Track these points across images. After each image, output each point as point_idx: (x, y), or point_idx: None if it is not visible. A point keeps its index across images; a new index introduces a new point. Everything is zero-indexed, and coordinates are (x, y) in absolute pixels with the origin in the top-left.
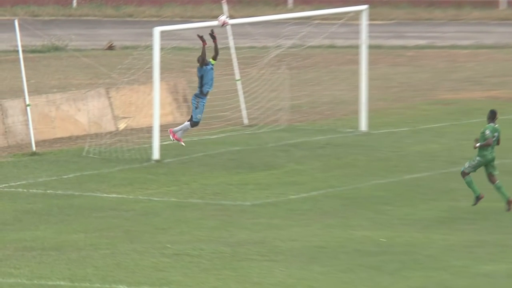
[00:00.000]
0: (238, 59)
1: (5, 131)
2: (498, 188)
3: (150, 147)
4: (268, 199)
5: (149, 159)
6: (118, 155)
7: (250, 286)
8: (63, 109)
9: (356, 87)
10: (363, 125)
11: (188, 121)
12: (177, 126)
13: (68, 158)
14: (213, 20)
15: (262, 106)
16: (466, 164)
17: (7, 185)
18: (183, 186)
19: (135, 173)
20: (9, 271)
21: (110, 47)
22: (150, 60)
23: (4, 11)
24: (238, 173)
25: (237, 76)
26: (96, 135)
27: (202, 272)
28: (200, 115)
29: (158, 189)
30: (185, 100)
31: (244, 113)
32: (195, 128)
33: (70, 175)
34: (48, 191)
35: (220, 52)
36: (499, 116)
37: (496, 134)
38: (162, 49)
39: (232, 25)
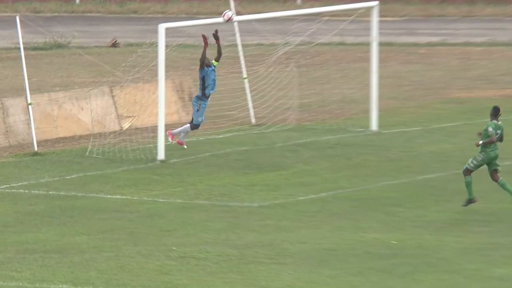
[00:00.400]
0: (245, 56)
1: (6, 131)
2: (503, 185)
3: (155, 147)
4: (276, 200)
5: (154, 159)
6: (122, 155)
7: None
8: (65, 108)
9: (366, 86)
10: (374, 125)
11: (188, 123)
12: (177, 128)
13: (70, 158)
14: (219, 17)
15: (270, 105)
16: (470, 161)
17: (8, 186)
18: (189, 187)
19: (139, 173)
20: (10, 274)
21: (114, 44)
22: (155, 57)
23: (5, 8)
24: (246, 174)
25: (244, 74)
26: (100, 134)
27: (208, 275)
28: (201, 118)
29: (163, 190)
30: (191, 99)
31: (251, 112)
32: (201, 127)
33: (73, 176)
34: (51, 192)
35: (226, 50)
36: None
37: (499, 131)
38: (167, 46)
39: (239, 21)
